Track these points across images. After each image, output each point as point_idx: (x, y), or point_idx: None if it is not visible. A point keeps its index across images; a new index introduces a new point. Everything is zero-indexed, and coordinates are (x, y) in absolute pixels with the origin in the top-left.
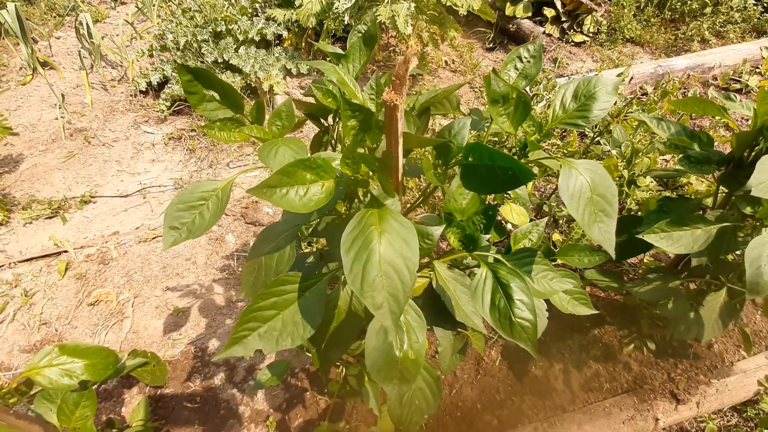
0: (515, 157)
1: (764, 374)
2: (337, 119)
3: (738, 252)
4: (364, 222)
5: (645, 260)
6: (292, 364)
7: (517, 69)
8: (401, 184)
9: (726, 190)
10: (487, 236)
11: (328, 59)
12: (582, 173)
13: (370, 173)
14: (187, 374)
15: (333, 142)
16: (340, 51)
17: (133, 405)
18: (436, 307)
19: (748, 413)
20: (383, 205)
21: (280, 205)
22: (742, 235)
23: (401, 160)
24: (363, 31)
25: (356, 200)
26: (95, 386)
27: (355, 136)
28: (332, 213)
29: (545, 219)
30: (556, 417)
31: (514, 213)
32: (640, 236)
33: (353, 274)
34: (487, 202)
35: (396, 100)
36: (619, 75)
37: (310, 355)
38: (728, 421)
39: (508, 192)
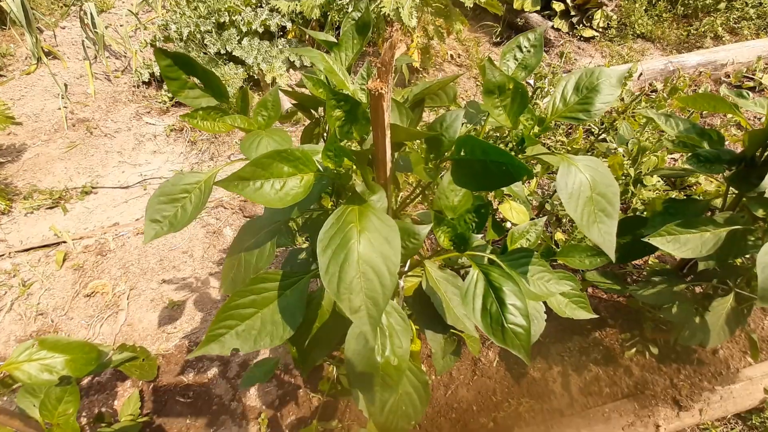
0: (512, 152)
1: None
2: None
3: (747, 256)
4: (343, 219)
5: (650, 262)
6: (285, 361)
7: (516, 59)
8: (390, 179)
9: (736, 191)
10: (480, 236)
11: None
12: (582, 170)
13: (354, 167)
14: (180, 368)
15: (324, 134)
16: (333, 39)
17: (126, 398)
18: (427, 309)
19: (753, 421)
20: (365, 201)
21: (253, 200)
22: (753, 238)
23: (389, 154)
24: (356, 18)
25: (344, 196)
26: (87, 379)
27: (340, 128)
28: (318, 209)
29: (543, 218)
30: (554, 421)
31: (513, 211)
32: (645, 239)
33: (329, 275)
34: (480, 199)
35: (381, 88)
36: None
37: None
38: (731, 429)
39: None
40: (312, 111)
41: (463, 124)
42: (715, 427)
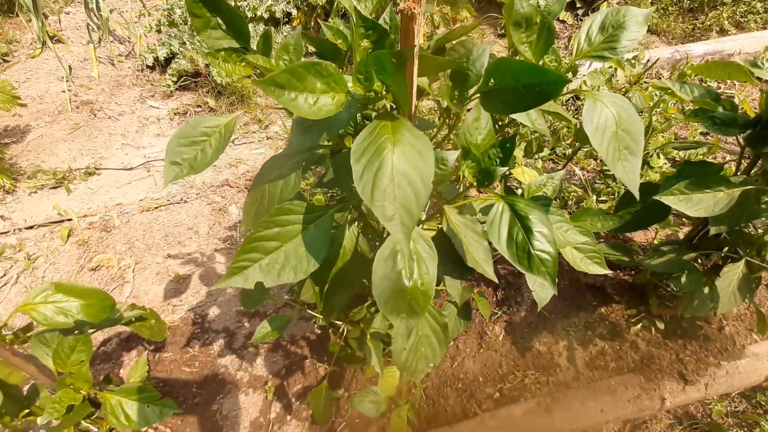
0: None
1: None
2: (347, 60)
3: (759, 221)
4: (376, 132)
5: (656, 240)
6: (291, 332)
7: (539, 5)
8: (415, 112)
9: (750, 157)
10: (504, 168)
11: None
12: (608, 106)
13: (383, 92)
14: (186, 340)
15: None
16: (341, 28)
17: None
18: (445, 256)
19: (758, 399)
20: (397, 118)
21: (288, 107)
22: (767, 199)
23: (415, 84)
24: None
25: None
26: (95, 348)
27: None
28: (341, 146)
29: (561, 172)
30: (560, 393)
31: (525, 174)
32: (657, 197)
33: (363, 182)
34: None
35: (414, 8)
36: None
37: (313, 313)
38: (735, 407)
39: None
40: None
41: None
42: (720, 402)
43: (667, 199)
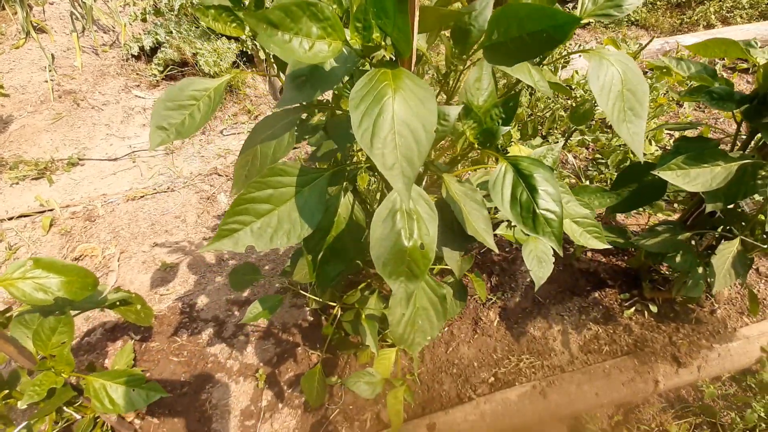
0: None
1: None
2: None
3: (752, 200)
4: (376, 78)
5: (649, 225)
6: (283, 319)
7: None
8: (414, 70)
9: (747, 134)
10: (507, 128)
11: None
12: (614, 64)
13: (383, 42)
14: (174, 329)
15: None
16: None
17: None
18: (443, 226)
19: (748, 382)
20: (397, 66)
21: (281, 50)
22: (764, 173)
23: (416, 39)
24: None
25: None
26: (77, 339)
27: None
28: (336, 108)
29: (561, 142)
30: (555, 376)
31: (523, 152)
32: (655, 172)
33: (363, 129)
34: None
35: None
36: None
37: (306, 294)
38: (726, 390)
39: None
40: None
41: None
42: (712, 384)
43: (665, 174)
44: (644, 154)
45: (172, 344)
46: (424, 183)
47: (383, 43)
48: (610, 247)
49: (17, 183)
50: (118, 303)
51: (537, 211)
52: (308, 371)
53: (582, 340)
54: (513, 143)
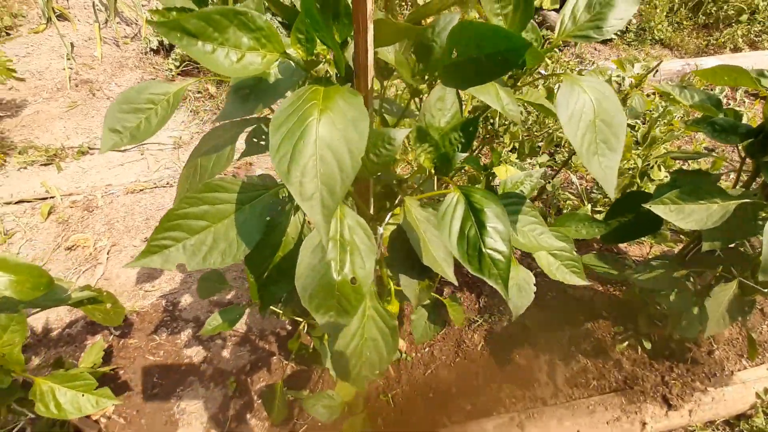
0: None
1: (764, 386)
2: None
3: (753, 239)
4: (304, 97)
5: (651, 255)
6: (261, 326)
7: None
8: (372, 89)
9: (751, 169)
10: (464, 155)
11: None
12: (586, 91)
13: (327, 55)
14: (154, 327)
15: None
16: None
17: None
18: (403, 253)
19: (741, 428)
20: (333, 83)
21: (201, 62)
22: (765, 214)
23: (371, 56)
24: None
25: None
26: (58, 330)
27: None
28: None
29: (541, 170)
30: (536, 409)
31: (509, 174)
32: (647, 206)
33: (280, 155)
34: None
35: None
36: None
37: (276, 310)
38: None
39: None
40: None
41: None
42: (703, 430)
43: (657, 209)
44: (652, 180)
45: (150, 342)
46: (389, 215)
47: (328, 57)
48: (587, 283)
49: (25, 168)
50: (85, 301)
51: (483, 250)
52: (268, 387)
53: (569, 373)
54: (502, 162)
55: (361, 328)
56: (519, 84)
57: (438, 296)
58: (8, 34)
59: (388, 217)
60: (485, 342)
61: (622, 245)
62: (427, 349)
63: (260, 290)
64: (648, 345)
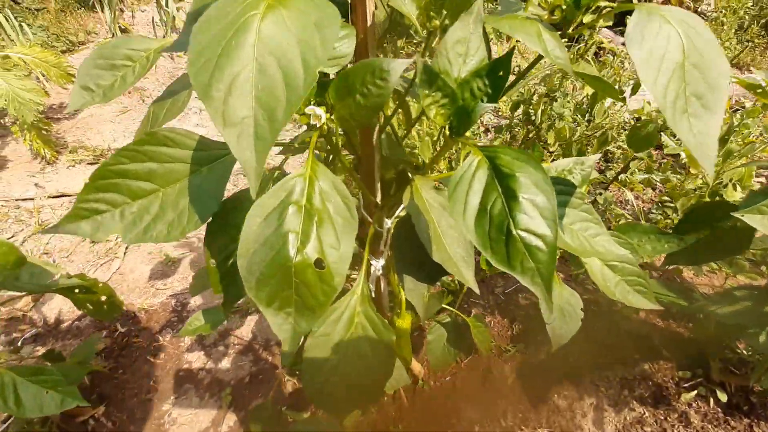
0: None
1: None
2: None
3: None
4: None
5: (727, 285)
6: (266, 336)
7: None
8: (371, 35)
9: None
10: (491, 105)
11: None
12: (671, 22)
13: None
14: (160, 326)
15: None
16: None
17: (100, 346)
18: (408, 246)
19: None
20: None
21: None
22: None
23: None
24: None
25: None
26: (68, 322)
27: None
28: None
29: (595, 156)
30: None
31: (552, 172)
32: (737, 214)
33: (201, 62)
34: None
35: None
36: None
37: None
38: None
39: None
40: None
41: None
42: None
43: (751, 218)
44: (726, 202)
45: (154, 343)
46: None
47: None
48: (659, 308)
49: (74, 165)
50: (76, 290)
51: (513, 231)
52: (257, 405)
53: (620, 422)
54: (545, 160)
55: (346, 340)
56: (570, 31)
57: (458, 312)
58: (80, 48)
59: (400, 209)
60: (517, 376)
61: (686, 274)
62: (448, 378)
63: (223, 280)
64: (723, 397)
